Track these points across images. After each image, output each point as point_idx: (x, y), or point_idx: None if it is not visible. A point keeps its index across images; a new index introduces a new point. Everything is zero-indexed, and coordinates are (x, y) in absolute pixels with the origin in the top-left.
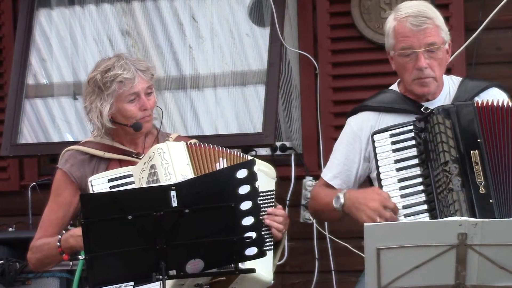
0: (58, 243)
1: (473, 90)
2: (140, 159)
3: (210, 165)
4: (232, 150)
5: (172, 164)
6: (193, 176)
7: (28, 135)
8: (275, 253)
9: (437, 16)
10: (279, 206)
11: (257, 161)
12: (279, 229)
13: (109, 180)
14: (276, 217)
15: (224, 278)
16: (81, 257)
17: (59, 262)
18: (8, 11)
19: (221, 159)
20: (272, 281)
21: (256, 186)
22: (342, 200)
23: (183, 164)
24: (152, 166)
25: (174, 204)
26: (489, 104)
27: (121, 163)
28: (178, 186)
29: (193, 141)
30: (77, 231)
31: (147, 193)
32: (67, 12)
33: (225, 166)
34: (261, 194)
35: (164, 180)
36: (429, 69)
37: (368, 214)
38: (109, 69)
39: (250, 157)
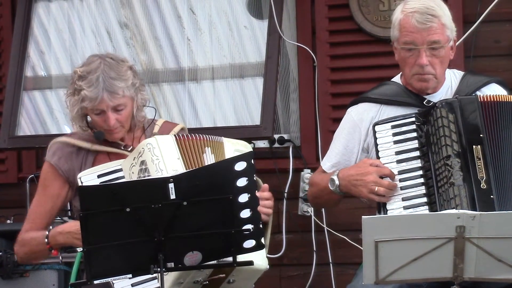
0: (46, 240)
1: (475, 85)
2: (129, 151)
3: (198, 156)
4: (215, 137)
5: (163, 160)
6: (184, 170)
7: (26, 127)
8: (265, 236)
9: (445, 14)
10: (265, 186)
11: (233, 141)
12: (268, 214)
13: (99, 176)
14: (266, 202)
15: (224, 275)
16: (79, 249)
17: (47, 256)
18: (6, 3)
19: (206, 148)
20: (268, 266)
21: (254, 178)
22: (337, 182)
23: (174, 159)
24: (143, 162)
25: (173, 196)
26: (493, 99)
27: (110, 156)
28: (177, 179)
29: (179, 126)
30: (66, 227)
31: (145, 185)
32: (65, 4)
33: (211, 155)
34: None
35: (156, 176)
36: (430, 67)
37: (367, 188)
38: (84, 75)
39: (229, 140)
